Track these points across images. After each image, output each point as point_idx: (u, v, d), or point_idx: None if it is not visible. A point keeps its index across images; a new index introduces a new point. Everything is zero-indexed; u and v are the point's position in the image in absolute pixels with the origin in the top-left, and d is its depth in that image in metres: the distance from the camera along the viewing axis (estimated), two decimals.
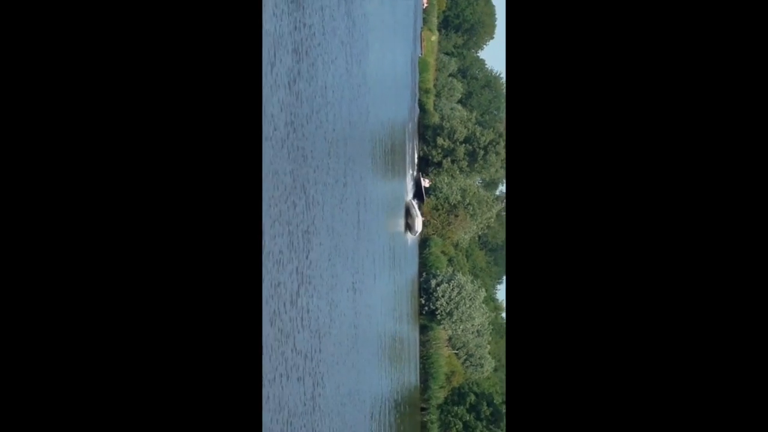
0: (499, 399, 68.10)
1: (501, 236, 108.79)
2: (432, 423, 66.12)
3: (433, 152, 78.72)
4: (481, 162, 78.50)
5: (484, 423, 67.32)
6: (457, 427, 67.15)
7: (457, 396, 69.61)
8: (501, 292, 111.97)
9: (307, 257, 21.38)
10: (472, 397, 68.82)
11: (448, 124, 79.50)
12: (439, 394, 69.39)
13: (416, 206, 70.35)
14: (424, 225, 74.22)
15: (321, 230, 23.63)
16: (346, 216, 29.65)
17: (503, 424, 66.11)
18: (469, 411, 67.95)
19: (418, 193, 77.36)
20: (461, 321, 71.32)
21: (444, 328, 72.11)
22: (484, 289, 77.30)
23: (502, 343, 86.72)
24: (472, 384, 71.73)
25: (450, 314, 70.61)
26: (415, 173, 78.84)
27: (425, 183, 79.62)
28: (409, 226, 67.82)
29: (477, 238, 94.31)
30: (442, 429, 67.28)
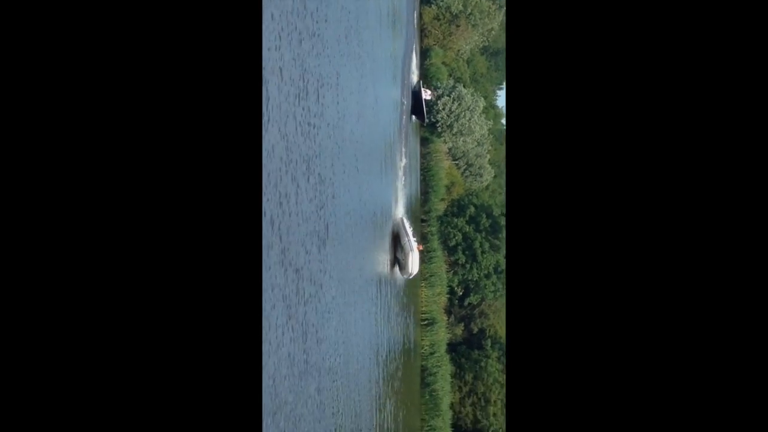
0: (498, 211, 69.09)
1: (502, 41, 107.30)
2: (432, 234, 67.36)
3: None
4: None
5: (483, 234, 68.55)
6: (456, 238, 68.44)
7: (457, 208, 70.65)
8: (501, 99, 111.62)
9: (311, 69, 21.26)
10: (472, 209, 69.81)
11: None
12: (439, 207, 70.51)
13: (410, 234, 45.13)
14: (421, 259, 51.56)
15: (323, 52, 23.30)
16: (349, 33, 29.22)
17: (501, 236, 67.40)
18: (468, 222, 69.10)
19: (418, 109, 63.57)
20: (461, 134, 71.48)
21: (444, 140, 72.38)
22: (483, 98, 76.98)
23: (502, 149, 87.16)
24: (472, 196, 72.69)
25: (450, 127, 70.68)
26: (414, 82, 63.83)
27: (426, 95, 66.20)
28: (399, 263, 44.69)
29: (478, 47, 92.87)
30: (442, 240, 68.61)
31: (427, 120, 68.32)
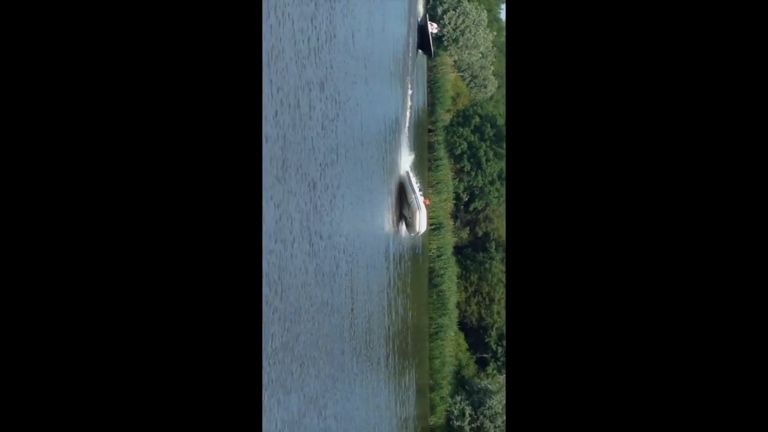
0: (502, 121, 70.75)
1: None
2: (438, 144, 69.57)
3: None
4: None
5: (488, 143, 70.81)
6: (462, 147, 70.70)
7: (462, 118, 72.70)
8: (504, 12, 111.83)
9: None
10: (477, 119, 71.89)
11: None
12: (445, 117, 72.73)
13: (416, 190, 41.23)
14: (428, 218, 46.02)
15: None
16: None
17: (505, 144, 69.17)
18: (473, 132, 71.21)
19: (425, 44, 61.59)
20: (467, 47, 73.21)
21: (450, 54, 74.08)
22: (486, 11, 78.10)
23: (505, 61, 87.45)
24: (477, 106, 74.70)
25: (456, 41, 72.48)
26: (420, 17, 60.45)
27: (433, 28, 63.27)
28: (405, 221, 40.97)
29: None
30: (448, 148, 70.88)
31: (433, 54, 67.51)
